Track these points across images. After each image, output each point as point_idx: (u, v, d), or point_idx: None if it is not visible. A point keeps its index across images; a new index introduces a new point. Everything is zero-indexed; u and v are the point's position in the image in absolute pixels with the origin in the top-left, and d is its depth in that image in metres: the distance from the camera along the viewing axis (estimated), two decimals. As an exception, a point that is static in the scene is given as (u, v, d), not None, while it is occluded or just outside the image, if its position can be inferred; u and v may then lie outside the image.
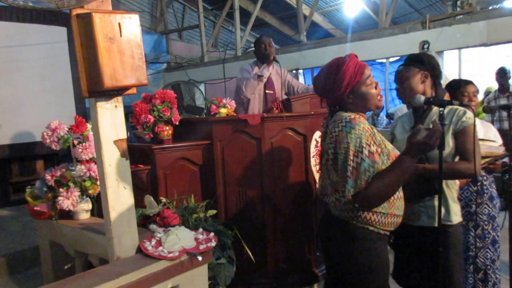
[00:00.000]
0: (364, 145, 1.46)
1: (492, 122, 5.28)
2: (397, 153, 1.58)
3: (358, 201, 1.47)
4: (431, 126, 1.46)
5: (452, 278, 1.80)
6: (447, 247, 1.78)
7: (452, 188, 1.89)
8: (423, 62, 1.88)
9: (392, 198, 1.54)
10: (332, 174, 1.57)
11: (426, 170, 1.79)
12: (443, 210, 1.81)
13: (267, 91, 3.38)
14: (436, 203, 1.82)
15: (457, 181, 1.96)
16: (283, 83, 3.55)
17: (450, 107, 1.85)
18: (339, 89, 1.56)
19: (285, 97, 3.44)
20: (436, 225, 1.74)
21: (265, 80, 3.30)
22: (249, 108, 3.36)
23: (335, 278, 1.67)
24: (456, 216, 1.87)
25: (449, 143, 1.81)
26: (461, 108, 1.83)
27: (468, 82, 2.43)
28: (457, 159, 1.84)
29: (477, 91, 2.42)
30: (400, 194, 1.59)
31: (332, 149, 1.54)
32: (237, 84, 3.39)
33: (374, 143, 1.49)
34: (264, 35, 3.62)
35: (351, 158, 1.46)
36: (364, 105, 1.59)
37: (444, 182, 1.80)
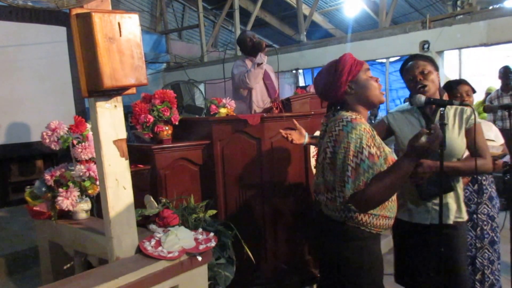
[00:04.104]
0: (365, 146, 1.44)
1: (494, 121, 5.26)
2: (395, 157, 1.57)
3: (355, 202, 1.46)
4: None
5: (460, 277, 1.80)
6: (457, 246, 1.79)
7: (460, 187, 1.88)
8: (434, 62, 1.86)
9: None
10: (327, 173, 1.55)
11: (447, 168, 1.74)
12: (455, 207, 1.83)
13: (266, 82, 3.38)
14: (449, 200, 1.83)
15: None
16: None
17: (454, 107, 1.84)
18: (340, 77, 1.54)
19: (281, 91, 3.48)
20: (450, 222, 1.79)
21: (264, 66, 3.28)
22: (252, 100, 3.32)
23: (328, 277, 1.67)
24: (465, 214, 1.88)
25: (462, 141, 1.81)
26: (466, 107, 1.84)
27: (460, 82, 2.41)
28: (465, 155, 1.84)
29: (472, 90, 2.39)
30: (393, 196, 1.57)
31: (331, 148, 1.51)
32: (237, 80, 3.33)
33: (374, 145, 1.48)
34: (245, 30, 3.70)
35: (351, 158, 1.44)
36: (367, 97, 1.56)
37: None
